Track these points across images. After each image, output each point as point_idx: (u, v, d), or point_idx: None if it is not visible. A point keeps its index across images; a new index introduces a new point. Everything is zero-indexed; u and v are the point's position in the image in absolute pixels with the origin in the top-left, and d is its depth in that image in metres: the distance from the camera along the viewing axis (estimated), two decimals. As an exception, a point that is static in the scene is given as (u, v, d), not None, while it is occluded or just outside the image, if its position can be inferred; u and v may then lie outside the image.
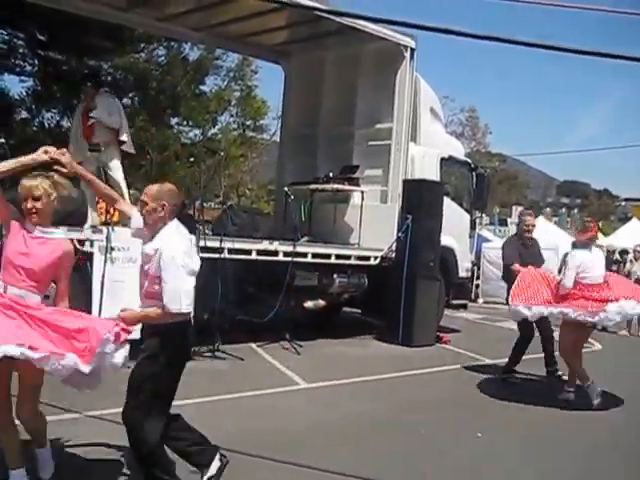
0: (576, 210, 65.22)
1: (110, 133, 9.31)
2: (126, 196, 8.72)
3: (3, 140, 8.04)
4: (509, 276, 8.44)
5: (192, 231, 10.01)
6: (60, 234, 4.52)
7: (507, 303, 8.11)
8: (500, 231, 28.39)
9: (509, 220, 31.76)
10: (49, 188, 4.33)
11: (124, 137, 9.39)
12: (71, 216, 7.76)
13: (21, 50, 15.86)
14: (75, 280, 5.57)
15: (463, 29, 4.87)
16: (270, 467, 5.12)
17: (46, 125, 17.19)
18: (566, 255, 8.22)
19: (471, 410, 7.38)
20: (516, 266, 8.34)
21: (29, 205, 4.29)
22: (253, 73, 22.53)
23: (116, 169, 9.34)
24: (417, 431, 6.33)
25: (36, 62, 16.15)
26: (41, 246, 4.29)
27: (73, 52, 15.91)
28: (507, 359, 9.01)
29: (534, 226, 9.25)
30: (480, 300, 18.86)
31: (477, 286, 19.05)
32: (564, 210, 63.65)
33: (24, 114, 16.95)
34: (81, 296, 7.06)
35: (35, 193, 4.29)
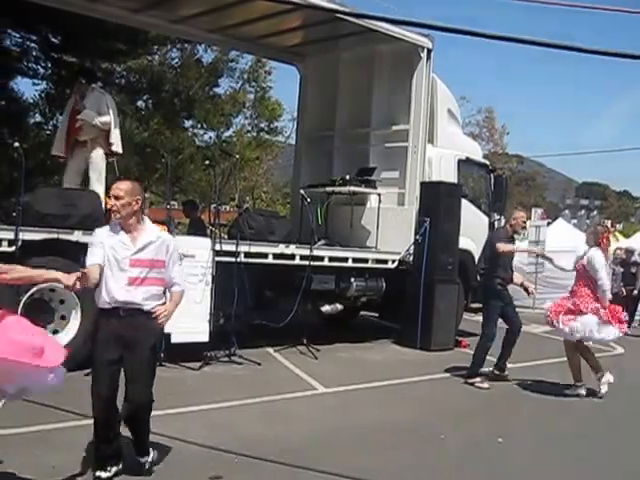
0: (595, 212, 64.80)
1: (99, 131, 9.31)
2: (102, 198, 8.75)
3: (17, 144, 8.07)
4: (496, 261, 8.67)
5: (204, 234, 10.15)
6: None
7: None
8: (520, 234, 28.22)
9: (528, 223, 31.56)
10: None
11: (113, 139, 9.36)
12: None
13: (34, 53, 15.93)
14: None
15: (479, 30, 4.88)
16: (288, 473, 5.13)
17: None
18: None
19: (491, 415, 7.38)
20: (500, 245, 8.56)
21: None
22: (267, 74, 22.56)
23: (95, 169, 9.27)
24: (436, 436, 6.33)
25: (49, 65, 16.22)
26: None
27: (87, 55, 15.97)
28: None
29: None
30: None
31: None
32: (583, 212, 63.22)
33: (38, 117, 17.03)
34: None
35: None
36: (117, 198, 4.62)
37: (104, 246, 4.62)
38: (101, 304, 4.65)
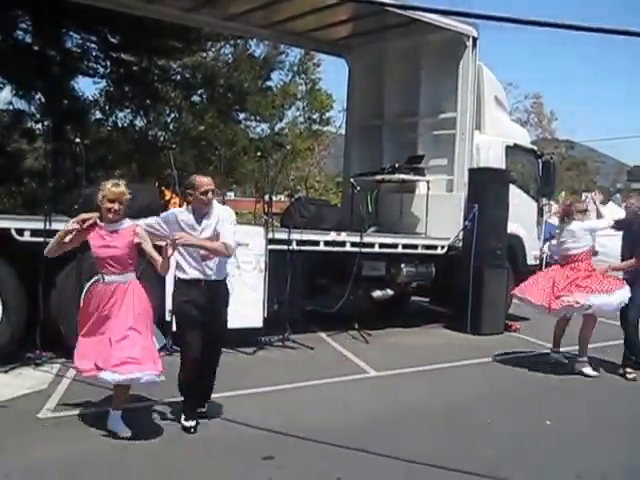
0: (647, 194, 63.12)
1: None
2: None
3: (78, 140, 8.23)
4: None
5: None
6: (128, 222, 5.40)
7: None
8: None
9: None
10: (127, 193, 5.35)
11: None
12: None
13: (94, 53, 16.16)
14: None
15: (523, 17, 4.80)
16: (338, 454, 5.15)
17: (119, 125, 17.57)
18: None
19: (539, 397, 7.29)
20: None
21: (115, 207, 5.23)
22: (316, 67, 22.56)
23: None
24: (483, 420, 6.28)
25: (108, 64, 16.44)
26: (118, 237, 5.27)
27: (143, 53, 16.19)
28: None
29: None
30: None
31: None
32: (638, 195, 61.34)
33: (98, 115, 17.31)
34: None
35: (123, 198, 5.28)
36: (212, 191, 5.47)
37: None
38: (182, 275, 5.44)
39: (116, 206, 5.22)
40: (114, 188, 5.24)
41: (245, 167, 17.93)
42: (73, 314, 7.26)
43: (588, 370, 8.27)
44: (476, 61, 11.27)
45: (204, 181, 5.39)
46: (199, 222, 5.41)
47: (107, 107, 17.11)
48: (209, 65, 18.61)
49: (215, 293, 5.48)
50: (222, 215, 5.48)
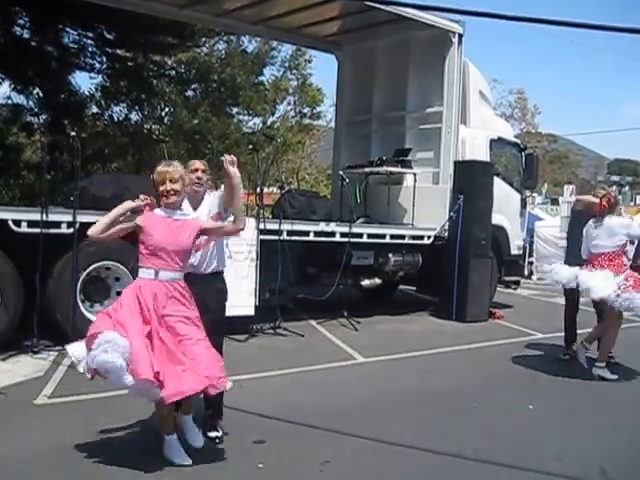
0: (627, 188, 63.22)
1: None
2: None
3: (74, 133, 8.16)
4: None
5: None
6: (192, 214, 4.82)
7: None
8: (552, 210, 27.77)
9: (560, 199, 31.03)
10: (184, 174, 4.66)
11: None
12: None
13: (91, 49, 16.10)
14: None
15: (508, 13, 4.76)
16: (328, 438, 5.13)
17: (115, 118, 17.50)
18: None
19: (522, 383, 7.29)
20: None
21: (168, 187, 4.51)
22: (307, 62, 22.43)
23: None
24: (469, 404, 6.27)
25: (104, 60, 16.39)
26: (183, 229, 4.55)
27: (139, 49, 16.12)
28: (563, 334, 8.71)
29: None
30: (534, 277, 18.54)
31: (530, 263, 18.71)
32: (614, 188, 61.72)
33: (95, 109, 17.27)
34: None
35: (174, 176, 4.53)
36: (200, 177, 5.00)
37: None
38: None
39: (176, 186, 4.54)
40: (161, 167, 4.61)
41: (238, 159, 17.86)
42: (69, 303, 7.28)
43: (607, 374, 7.47)
44: (462, 57, 11.26)
45: (195, 162, 5.10)
46: (193, 210, 4.97)
47: (103, 101, 17.10)
48: (203, 61, 18.59)
49: (205, 287, 4.80)
50: (212, 202, 5.02)
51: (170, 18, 12.46)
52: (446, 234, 10.98)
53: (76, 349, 4.42)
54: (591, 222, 7.57)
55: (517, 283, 13.53)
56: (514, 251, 12.58)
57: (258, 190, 9.44)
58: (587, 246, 7.57)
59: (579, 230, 7.79)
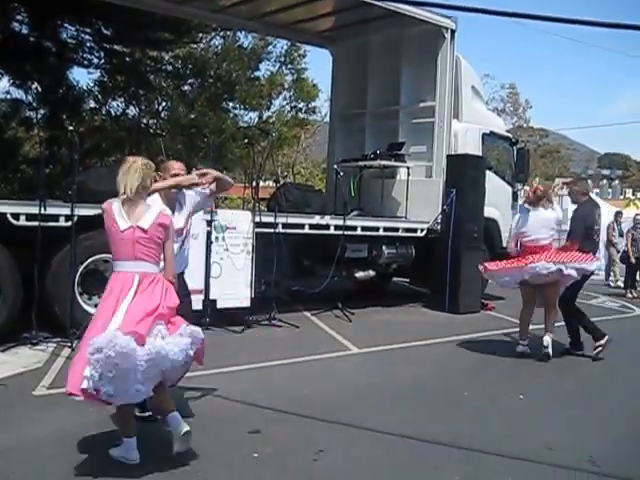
0: (617, 181, 63.36)
1: None
2: None
3: (72, 128, 8.14)
4: None
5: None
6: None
7: None
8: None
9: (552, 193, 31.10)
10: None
11: None
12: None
13: (88, 44, 16.06)
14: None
15: (500, 9, 4.75)
16: (322, 427, 5.15)
17: (113, 113, 17.45)
18: None
19: (513, 373, 7.31)
20: None
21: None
22: (301, 58, 22.36)
23: None
24: (461, 394, 6.29)
25: (102, 55, 16.34)
26: None
27: (136, 45, 16.06)
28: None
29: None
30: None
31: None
32: (605, 182, 61.86)
33: (92, 104, 17.22)
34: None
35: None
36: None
37: None
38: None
39: None
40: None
41: (234, 154, 17.84)
42: (67, 296, 7.26)
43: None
44: (454, 52, 11.26)
45: (175, 164, 5.06)
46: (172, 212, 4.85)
47: (101, 96, 17.06)
48: (199, 56, 18.53)
49: None
50: (189, 200, 5.03)
51: (167, 14, 12.47)
52: (439, 227, 11.00)
53: None
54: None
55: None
56: (506, 243, 12.56)
57: (254, 184, 9.43)
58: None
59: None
